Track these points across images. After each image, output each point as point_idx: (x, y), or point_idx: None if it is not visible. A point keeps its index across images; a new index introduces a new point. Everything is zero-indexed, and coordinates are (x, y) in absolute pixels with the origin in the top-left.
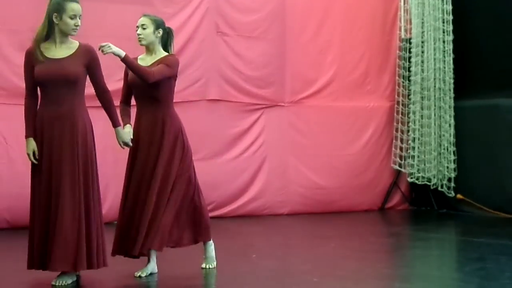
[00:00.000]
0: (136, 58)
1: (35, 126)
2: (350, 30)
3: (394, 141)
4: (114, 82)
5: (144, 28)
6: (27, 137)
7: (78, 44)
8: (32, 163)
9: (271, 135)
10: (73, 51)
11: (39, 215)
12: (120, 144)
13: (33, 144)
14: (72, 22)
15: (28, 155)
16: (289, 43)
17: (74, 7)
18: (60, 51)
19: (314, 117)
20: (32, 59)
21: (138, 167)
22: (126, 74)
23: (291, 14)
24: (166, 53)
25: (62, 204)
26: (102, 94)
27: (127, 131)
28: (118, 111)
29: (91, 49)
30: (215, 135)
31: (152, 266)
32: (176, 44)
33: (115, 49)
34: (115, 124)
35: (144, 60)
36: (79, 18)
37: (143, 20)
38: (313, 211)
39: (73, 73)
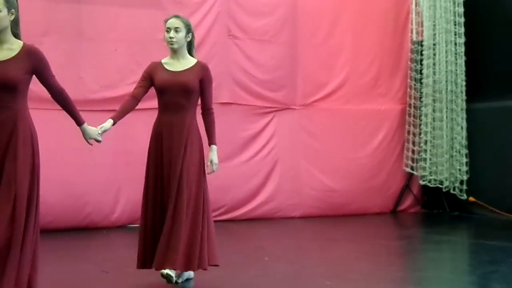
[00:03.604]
0: (160, 63)
1: None
2: (362, 33)
3: (406, 143)
4: (127, 85)
5: (177, 31)
6: None
7: (21, 45)
8: None
9: (283, 138)
10: (15, 53)
11: None
12: (87, 141)
13: None
14: None
15: None
16: (301, 46)
17: None
18: (1, 52)
19: (326, 120)
20: None
21: (165, 174)
22: (149, 75)
23: (302, 17)
24: (195, 60)
25: None
26: (59, 95)
27: (95, 128)
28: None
29: (36, 50)
30: (227, 138)
31: (189, 272)
32: None
33: (105, 127)
34: (78, 123)
35: (172, 65)
36: None
37: (175, 22)
38: (325, 214)
39: (14, 78)
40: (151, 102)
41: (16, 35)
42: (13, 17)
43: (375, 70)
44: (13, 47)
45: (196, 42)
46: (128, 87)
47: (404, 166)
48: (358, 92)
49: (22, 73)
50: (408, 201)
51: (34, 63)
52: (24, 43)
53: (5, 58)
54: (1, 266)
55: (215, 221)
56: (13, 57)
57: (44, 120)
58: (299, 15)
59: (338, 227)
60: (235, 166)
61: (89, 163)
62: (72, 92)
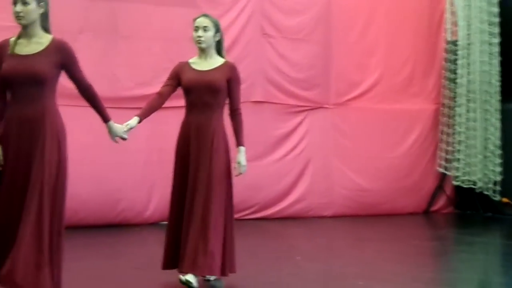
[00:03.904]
0: (187, 63)
1: (4, 129)
2: (396, 32)
3: (439, 143)
4: (160, 83)
5: (206, 30)
6: None
7: (50, 39)
8: None
9: (315, 137)
10: (44, 47)
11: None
12: (113, 139)
13: None
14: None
15: None
16: (334, 45)
17: None
18: (30, 46)
19: (359, 119)
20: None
21: (191, 175)
22: (177, 75)
23: (336, 16)
24: (223, 59)
25: (26, 210)
26: (86, 91)
27: (121, 125)
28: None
29: (65, 45)
30: (259, 137)
31: None
32: None
33: (131, 124)
34: (105, 119)
35: (199, 65)
36: (18, 4)
37: (204, 21)
38: (357, 214)
39: (41, 71)
40: (183, 100)
41: (46, 30)
42: (42, 10)
43: (409, 69)
44: (42, 41)
45: (229, 40)
46: (161, 85)
47: (437, 166)
48: (391, 92)
49: (50, 67)
50: (441, 202)
51: (62, 57)
52: (53, 37)
53: (33, 52)
54: (31, 262)
55: (247, 220)
56: (41, 51)
57: (79, 117)
58: (333, 14)
59: (370, 227)
60: (267, 164)
61: (123, 161)
62: (106, 90)
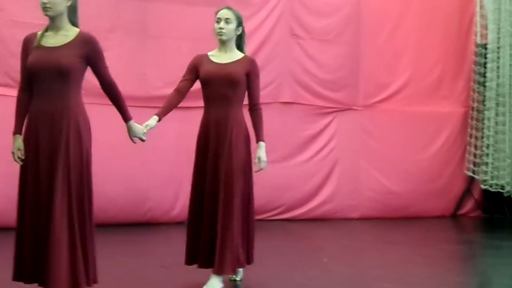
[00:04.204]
0: (206, 55)
1: (27, 122)
2: (425, 35)
3: (468, 147)
4: None
5: (228, 23)
6: (14, 133)
7: (77, 32)
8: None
9: (343, 138)
10: (70, 39)
11: (29, 218)
12: (131, 140)
13: (19, 142)
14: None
15: (13, 153)
16: (364, 46)
17: None
18: (56, 38)
19: (387, 121)
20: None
21: (210, 169)
22: (195, 67)
23: (366, 17)
24: (242, 54)
25: (53, 206)
26: (109, 87)
27: (141, 126)
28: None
29: (92, 38)
30: (287, 138)
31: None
32: (250, 46)
33: (150, 124)
34: (126, 119)
35: (218, 57)
36: None
37: (227, 13)
38: (384, 216)
39: (66, 63)
40: None
41: (74, 23)
42: (70, 3)
43: (438, 72)
44: (69, 33)
45: (259, 41)
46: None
47: (465, 170)
48: (420, 94)
49: (75, 59)
50: (469, 205)
51: (88, 50)
52: (80, 30)
53: (59, 44)
54: (65, 262)
55: (273, 220)
56: (67, 43)
57: (109, 115)
58: (363, 15)
59: (397, 229)
60: (294, 165)
61: (151, 159)
62: (135, 89)
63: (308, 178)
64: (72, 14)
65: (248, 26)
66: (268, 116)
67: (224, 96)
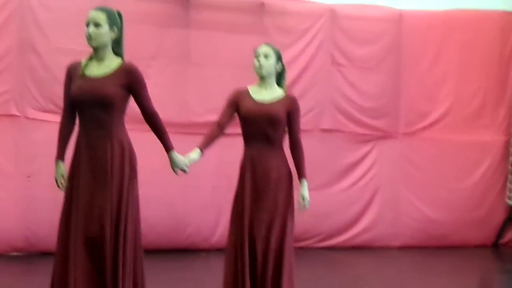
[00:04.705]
0: (246, 90)
1: (74, 150)
2: (467, 63)
3: (509, 176)
4: None
5: (267, 58)
6: (56, 159)
7: (120, 62)
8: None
9: (384, 166)
10: (113, 70)
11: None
12: (174, 171)
13: (61, 168)
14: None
15: (56, 180)
16: (404, 74)
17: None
18: (99, 68)
19: (428, 149)
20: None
21: (251, 206)
22: (235, 103)
23: (407, 46)
24: (283, 91)
25: (104, 238)
26: (150, 117)
27: (183, 158)
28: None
29: (134, 69)
30: (327, 165)
31: None
32: (291, 74)
33: (193, 158)
34: (168, 149)
35: (259, 94)
36: (91, 26)
37: (266, 49)
38: (424, 245)
39: (109, 94)
40: None
41: (118, 54)
42: (114, 35)
43: (479, 100)
44: (112, 64)
45: (299, 68)
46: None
47: (506, 199)
48: (461, 122)
49: (118, 90)
50: (510, 235)
51: (130, 81)
52: (123, 60)
53: (102, 75)
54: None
55: (313, 248)
56: (110, 74)
57: (149, 140)
58: (404, 43)
59: (437, 258)
60: (334, 193)
61: (191, 185)
62: (177, 115)
63: (348, 205)
64: (117, 46)
65: (289, 54)
66: (308, 143)
67: (265, 135)
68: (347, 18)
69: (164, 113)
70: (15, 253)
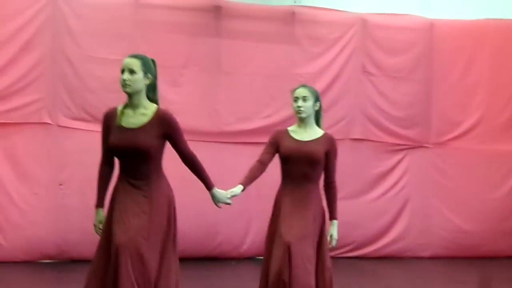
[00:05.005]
0: (286, 131)
1: (112, 193)
2: (498, 73)
3: None
4: (261, 119)
5: (305, 100)
6: (96, 207)
7: (155, 109)
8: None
9: (415, 176)
10: (148, 119)
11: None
12: (216, 205)
13: (100, 215)
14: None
15: (94, 226)
16: (436, 84)
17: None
18: (135, 118)
19: (459, 159)
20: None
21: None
22: (276, 142)
23: (438, 55)
24: (322, 131)
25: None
26: (189, 160)
27: (225, 192)
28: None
29: (169, 117)
30: (357, 175)
31: None
32: (321, 83)
33: (235, 192)
34: (209, 187)
35: (298, 134)
36: (126, 72)
37: (303, 91)
38: (455, 255)
39: (145, 146)
40: None
41: (152, 100)
42: (148, 82)
43: (511, 110)
44: (147, 112)
45: (330, 77)
46: (262, 121)
47: None
48: (493, 132)
49: (154, 140)
50: None
51: (166, 129)
52: (158, 107)
53: (138, 125)
54: None
55: (342, 258)
56: (145, 124)
57: None
58: (435, 53)
59: (468, 269)
60: (365, 202)
61: None
62: (208, 124)
63: (378, 215)
64: (151, 92)
65: (320, 63)
66: (338, 153)
67: (303, 174)
68: (378, 27)
69: (194, 121)
70: (46, 261)
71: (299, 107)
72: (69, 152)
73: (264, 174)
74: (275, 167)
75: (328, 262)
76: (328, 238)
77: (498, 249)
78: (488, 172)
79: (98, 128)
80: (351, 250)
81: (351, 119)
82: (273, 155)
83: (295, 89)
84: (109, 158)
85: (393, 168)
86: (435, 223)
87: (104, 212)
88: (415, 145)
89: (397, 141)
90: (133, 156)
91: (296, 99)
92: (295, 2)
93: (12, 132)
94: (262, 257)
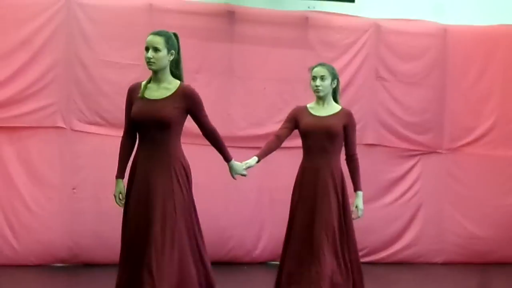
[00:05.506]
0: (305, 107)
1: (132, 167)
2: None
3: None
4: (274, 123)
5: (323, 79)
6: (117, 177)
7: (178, 85)
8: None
9: (428, 182)
10: (171, 92)
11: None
12: (233, 176)
13: (120, 186)
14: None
15: (115, 196)
16: (449, 89)
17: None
18: (158, 91)
19: (473, 165)
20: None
21: (298, 221)
22: (294, 118)
23: (452, 61)
24: (339, 106)
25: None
26: (210, 134)
27: (241, 164)
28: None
29: (192, 92)
30: (370, 180)
31: None
32: None
33: (250, 163)
34: (227, 159)
35: (317, 110)
36: (150, 50)
37: (321, 70)
38: (468, 261)
39: (167, 116)
40: (295, 141)
41: (176, 76)
42: (172, 57)
43: None
44: (170, 86)
45: (343, 82)
46: (275, 125)
47: None
48: (506, 138)
49: (176, 112)
50: None
51: (188, 103)
52: (181, 83)
53: (161, 97)
54: None
55: None
56: (169, 96)
57: (195, 155)
58: (449, 59)
59: (481, 275)
60: (378, 208)
61: (234, 199)
62: (220, 128)
63: (391, 221)
64: (176, 68)
65: None
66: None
67: (323, 148)
68: (392, 33)
69: None
70: (59, 264)
71: (317, 86)
72: (83, 156)
73: (276, 180)
74: (287, 171)
75: (352, 232)
76: (353, 208)
77: (511, 255)
78: (502, 178)
79: (111, 132)
80: (364, 256)
81: (365, 125)
82: (291, 131)
83: (313, 68)
84: (132, 131)
85: (406, 174)
86: (448, 228)
87: (123, 183)
88: (428, 151)
89: (411, 147)
90: (154, 126)
91: (314, 78)
92: (308, 8)
93: (26, 136)
94: (274, 262)
